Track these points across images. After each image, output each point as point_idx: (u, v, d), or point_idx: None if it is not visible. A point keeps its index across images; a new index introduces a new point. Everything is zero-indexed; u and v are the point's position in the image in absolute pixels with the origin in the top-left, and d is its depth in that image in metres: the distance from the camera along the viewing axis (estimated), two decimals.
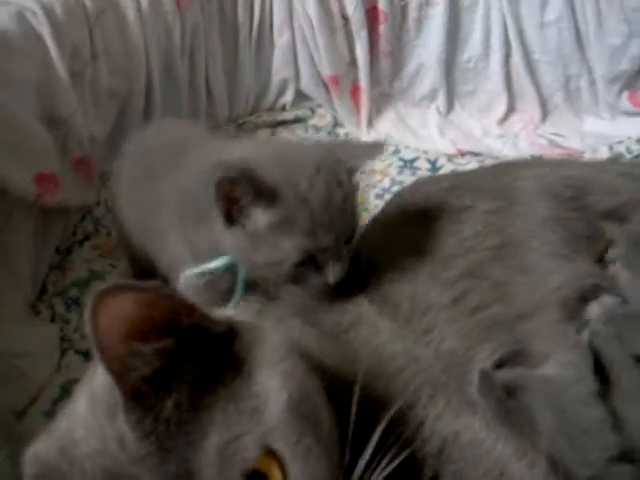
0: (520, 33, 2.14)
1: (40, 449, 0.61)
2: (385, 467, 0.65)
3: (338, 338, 0.91)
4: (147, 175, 1.23)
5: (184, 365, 0.60)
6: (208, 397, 0.60)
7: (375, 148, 1.11)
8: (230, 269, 1.00)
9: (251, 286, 1.02)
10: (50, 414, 1.18)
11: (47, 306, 1.47)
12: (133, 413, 0.56)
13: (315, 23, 2.11)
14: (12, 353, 1.26)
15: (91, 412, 0.59)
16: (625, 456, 0.85)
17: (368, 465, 0.64)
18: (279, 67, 2.24)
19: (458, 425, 0.81)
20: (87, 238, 1.70)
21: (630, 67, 2.06)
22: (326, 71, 2.19)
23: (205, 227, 1.03)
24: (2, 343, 1.24)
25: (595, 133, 2.08)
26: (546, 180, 1.21)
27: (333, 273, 1.00)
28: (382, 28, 2.16)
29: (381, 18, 2.15)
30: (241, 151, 1.07)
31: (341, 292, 1.02)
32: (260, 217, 0.95)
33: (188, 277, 1.00)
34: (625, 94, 2.10)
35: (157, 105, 1.89)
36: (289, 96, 2.27)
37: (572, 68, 2.14)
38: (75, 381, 1.20)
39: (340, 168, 1.02)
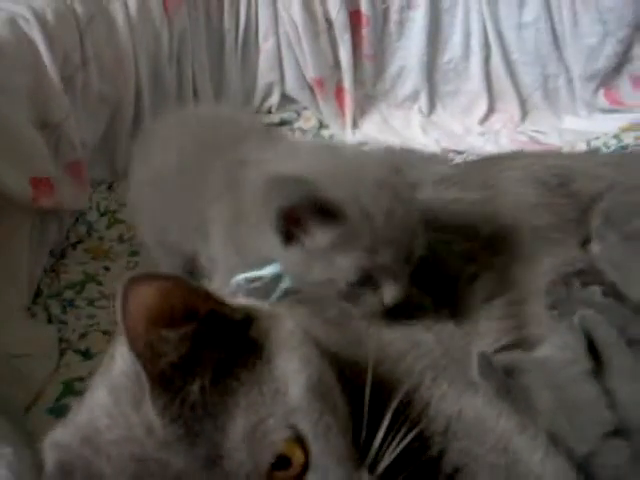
0: (499, 35, 2.20)
1: (61, 437, 0.63)
2: (396, 446, 0.67)
3: (341, 326, 0.93)
4: (186, 169, 1.19)
5: (206, 351, 0.62)
6: (231, 382, 0.62)
7: (438, 161, 1.07)
8: (277, 278, 0.98)
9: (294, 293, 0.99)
10: (54, 411, 1.19)
11: (43, 308, 1.47)
12: (160, 398, 0.58)
13: (300, 27, 2.16)
14: (12, 355, 1.27)
15: (113, 401, 0.61)
16: (620, 432, 0.87)
17: (380, 445, 0.67)
18: (265, 71, 2.28)
19: (461, 404, 0.83)
20: (80, 241, 1.71)
21: (606, 65, 2.14)
22: (311, 74, 2.24)
23: (257, 237, 0.98)
24: (2, 345, 1.26)
25: (573, 130, 2.14)
26: (532, 169, 1.24)
27: (390, 293, 0.94)
28: (365, 31, 2.22)
29: (364, 21, 2.21)
30: (300, 164, 0.99)
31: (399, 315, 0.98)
32: (321, 235, 0.90)
33: (238, 282, 0.99)
34: (601, 92, 2.18)
35: (146, 111, 1.91)
36: (275, 99, 2.31)
37: (550, 68, 2.21)
38: (77, 379, 1.24)
39: (402, 182, 0.97)
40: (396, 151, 1.18)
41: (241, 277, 0.99)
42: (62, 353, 1.35)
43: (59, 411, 1.17)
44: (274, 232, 0.91)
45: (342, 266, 0.91)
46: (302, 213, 0.89)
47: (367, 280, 0.93)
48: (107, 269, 1.63)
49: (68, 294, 1.52)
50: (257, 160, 1.05)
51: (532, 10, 2.15)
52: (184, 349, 0.61)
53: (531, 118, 2.24)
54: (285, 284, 0.98)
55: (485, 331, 1.01)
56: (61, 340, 1.38)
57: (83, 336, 1.39)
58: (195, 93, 2.09)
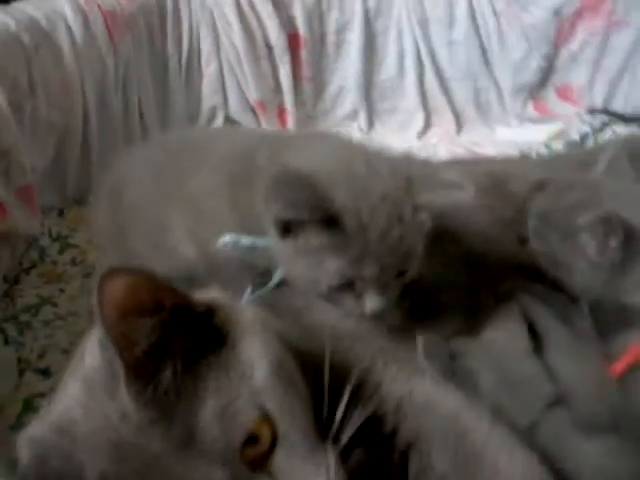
0: (431, 53, 2.31)
1: (36, 432, 0.65)
2: (356, 420, 0.72)
3: (295, 319, 0.98)
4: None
5: (175, 340, 0.66)
6: (201, 368, 0.66)
7: (454, 189, 1.02)
8: (265, 253, 0.99)
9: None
10: (16, 428, 1.20)
11: None
12: (134, 385, 0.61)
13: (241, 52, 2.23)
14: None
15: (86, 393, 0.64)
16: (560, 402, 0.93)
17: (341, 421, 0.72)
18: (208, 95, 2.33)
19: (411, 386, 0.88)
20: (33, 266, 1.71)
21: (532, 78, 2.27)
22: (253, 96, 2.30)
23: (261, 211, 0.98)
24: None
25: (506, 140, 2.24)
26: (470, 175, 1.31)
27: (370, 303, 0.95)
28: (303, 54, 2.30)
29: (302, 44, 2.29)
30: (312, 160, 0.99)
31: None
32: (315, 237, 0.92)
33: (226, 242, 1.00)
34: (530, 103, 2.30)
35: (94, 136, 1.93)
36: (219, 122, 2.34)
37: (481, 82, 2.32)
38: (37, 395, 1.26)
39: (407, 202, 0.95)
40: (415, 162, 1.19)
41: (231, 239, 1.00)
42: (21, 373, 1.36)
43: (21, 428, 1.18)
44: (273, 228, 0.94)
45: (326, 270, 0.93)
46: (304, 216, 0.91)
47: (348, 287, 0.95)
48: (62, 291, 1.63)
49: (24, 317, 1.52)
50: (267, 147, 1.07)
51: (461, 29, 2.27)
52: (156, 336, 0.64)
53: (466, 131, 2.34)
54: (280, 274, 1.00)
55: (433, 319, 1.07)
56: (20, 360, 1.39)
57: (42, 356, 1.40)
58: (141, 117, 2.12)
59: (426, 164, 1.40)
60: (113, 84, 1.97)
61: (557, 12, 2.20)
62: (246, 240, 1.01)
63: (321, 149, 1.05)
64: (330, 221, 0.90)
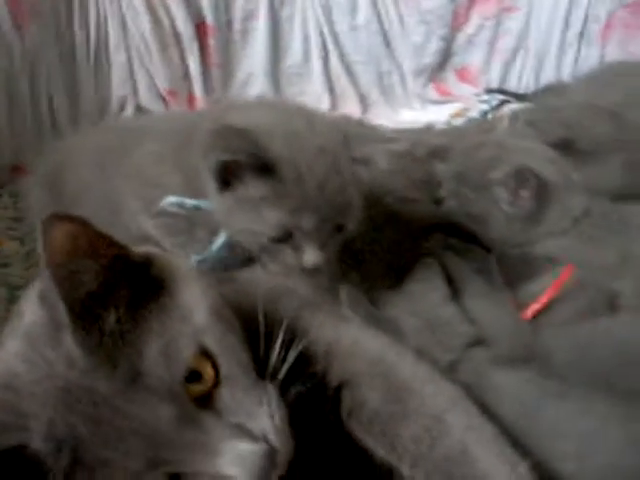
0: (335, 38, 2.38)
1: None
2: (287, 361, 0.78)
3: (227, 280, 1.01)
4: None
5: (116, 288, 0.68)
6: (143, 312, 0.69)
7: (389, 142, 1.10)
8: (206, 217, 1.01)
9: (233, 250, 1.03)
10: None
11: None
12: (79, 330, 0.63)
13: (149, 40, 2.23)
14: None
15: (28, 347, 0.65)
16: (479, 342, 1.01)
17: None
18: (118, 84, 2.30)
19: (339, 332, 0.93)
20: None
21: (432, 61, 2.38)
22: (163, 84, 2.30)
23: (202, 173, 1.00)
24: None
25: (410, 121, 2.29)
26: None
27: (308, 256, 0.97)
28: (211, 42, 2.32)
29: (210, 32, 2.31)
30: (249, 117, 1.01)
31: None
32: (254, 187, 0.94)
33: (171, 202, 1.02)
34: (431, 85, 2.41)
35: (2, 128, 1.91)
36: (129, 111, 2.32)
37: (383, 66, 2.41)
38: None
39: (344, 155, 0.98)
40: (352, 122, 1.24)
41: (176, 199, 1.02)
42: None
43: None
44: (212, 178, 0.95)
45: (266, 220, 0.95)
46: (240, 165, 0.92)
47: (287, 239, 0.97)
48: None
49: None
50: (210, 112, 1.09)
51: (363, 14, 2.35)
52: (98, 280, 0.67)
53: (371, 113, 2.41)
54: (222, 238, 1.02)
55: (357, 274, 1.13)
56: None
57: None
58: (50, 107, 2.09)
59: (362, 123, 1.45)
60: (20, 72, 1.94)
61: None
62: (190, 201, 1.03)
63: (261, 109, 1.08)
64: (268, 170, 0.92)
